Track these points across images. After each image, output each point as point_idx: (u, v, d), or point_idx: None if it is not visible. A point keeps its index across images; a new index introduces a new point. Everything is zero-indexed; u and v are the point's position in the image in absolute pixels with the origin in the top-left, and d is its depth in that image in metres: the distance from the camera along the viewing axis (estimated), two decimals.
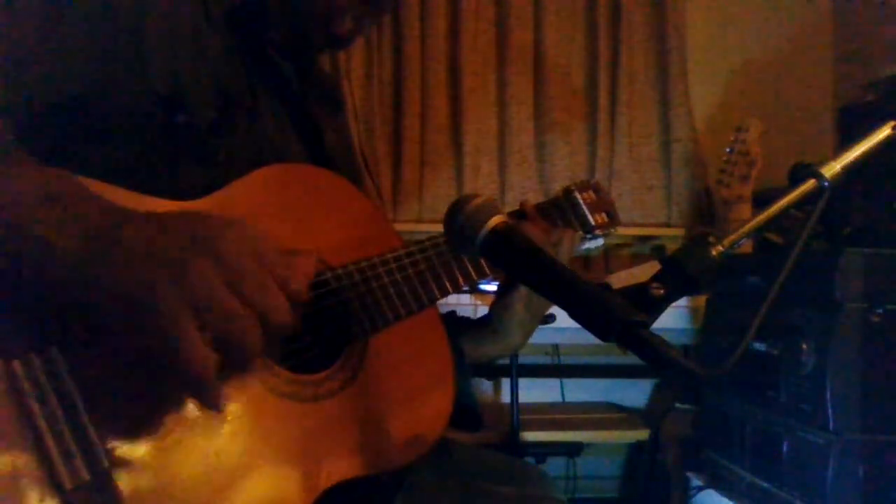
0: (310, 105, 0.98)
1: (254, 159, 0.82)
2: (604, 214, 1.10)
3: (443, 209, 0.63)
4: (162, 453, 0.63)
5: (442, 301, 0.87)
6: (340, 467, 0.74)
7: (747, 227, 0.63)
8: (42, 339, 0.58)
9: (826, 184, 0.65)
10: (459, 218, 0.61)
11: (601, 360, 2.52)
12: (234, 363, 0.59)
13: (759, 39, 2.61)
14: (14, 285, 0.57)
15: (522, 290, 1.03)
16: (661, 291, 0.58)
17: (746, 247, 1.63)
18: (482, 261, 0.90)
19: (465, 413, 0.93)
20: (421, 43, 2.42)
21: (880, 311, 1.32)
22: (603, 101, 2.47)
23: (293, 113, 0.95)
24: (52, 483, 0.57)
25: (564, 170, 2.49)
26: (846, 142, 0.68)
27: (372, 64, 2.41)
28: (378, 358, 0.81)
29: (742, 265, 1.60)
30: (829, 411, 1.31)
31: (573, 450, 2.10)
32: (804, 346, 1.37)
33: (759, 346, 1.50)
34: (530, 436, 2.12)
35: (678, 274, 0.59)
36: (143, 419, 0.62)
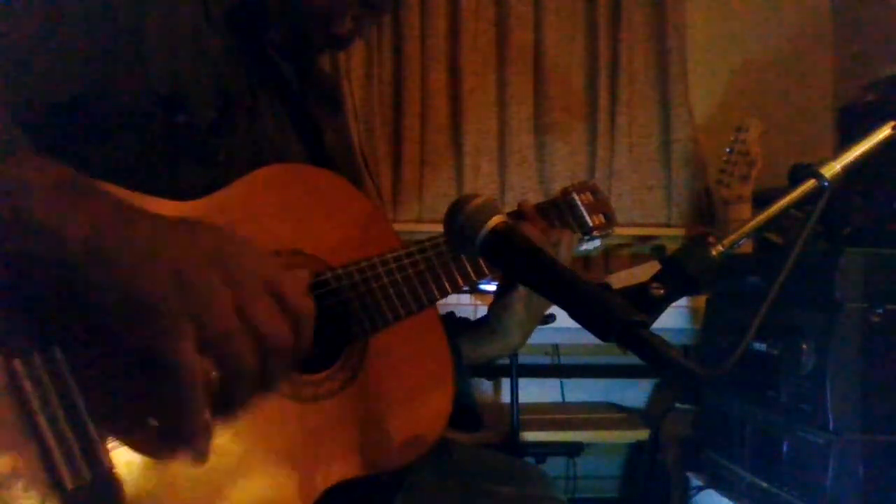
0: (310, 105, 0.98)
1: (254, 159, 0.82)
2: (601, 216, 1.10)
3: (443, 209, 0.63)
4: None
5: (442, 301, 0.87)
6: (340, 467, 0.74)
7: (747, 227, 0.63)
8: (44, 338, 0.58)
9: (826, 184, 0.65)
10: (459, 218, 0.61)
11: (601, 360, 2.52)
12: (230, 385, 0.57)
13: (759, 39, 2.60)
14: (18, 277, 0.57)
15: (521, 291, 1.03)
16: (661, 291, 0.58)
17: (746, 247, 1.63)
18: (481, 261, 0.90)
19: (464, 413, 0.93)
20: (421, 43, 2.42)
21: (880, 311, 1.32)
22: (603, 101, 2.47)
23: (293, 113, 0.95)
24: (53, 483, 0.57)
25: (564, 170, 2.49)
26: (846, 142, 0.68)
27: (372, 64, 2.41)
28: (378, 358, 0.81)
29: (742, 265, 1.60)
30: (829, 411, 1.31)
31: (573, 450, 2.10)
32: (804, 346, 1.37)
33: (759, 346, 1.50)
34: (530, 436, 2.12)
35: (678, 274, 0.59)
36: (144, 418, 0.62)
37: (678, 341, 2.06)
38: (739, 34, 2.60)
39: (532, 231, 1.00)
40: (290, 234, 0.79)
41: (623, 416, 2.36)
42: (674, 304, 0.59)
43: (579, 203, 1.08)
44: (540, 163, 2.51)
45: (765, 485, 1.48)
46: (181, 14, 0.82)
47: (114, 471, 0.59)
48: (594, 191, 1.12)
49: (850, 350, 1.32)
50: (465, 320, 1.13)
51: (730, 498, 1.59)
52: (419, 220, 2.42)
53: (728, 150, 1.90)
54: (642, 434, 2.17)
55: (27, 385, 0.57)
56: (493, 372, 2.36)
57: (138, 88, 0.77)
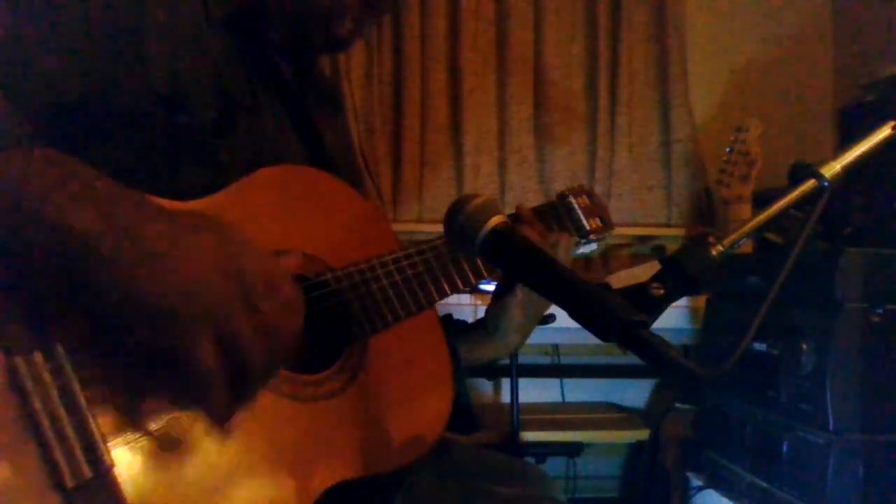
0: (309, 106, 0.98)
1: (254, 160, 0.82)
2: (598, 220, 1.10)
3: (443, 209, 0.63)
4: (163, 452, 0.63)
5: (441, 301, 0.87)
6: (340, 468, 0.74)
7: (747, 227, 0.63)
8: (47, 335, 0.58)
9: (826, 184, 0.65)
10: (459, 218, 0.61)
11: (601, 360, 2.52)
12: (240, 379, 0.60)
13: (759, 39, 2.60)
14: (21, 272, 0.57)
15: (519, 294, 1.03)
16: (661, 291, 0.58)
17: (746, 247, 1.63)
18: (480, 263, 0.90)
19: (460, 415, 0.93)
20: (421, 43, 2.42)
21: (880, 311, 1.32)
22: (603, 101, 2.47)
23: (293, 114, 0.95)
24: (54, 481, 0.57)
25: (564, 170, 2.50)
26: (846, 142, 0.68)
27: (372, 64, 2.41)
28: (378, 359, 0.81)
29: (742, 265, 1.60)
30: (829, 411, 1.31)
31: (573, 450, 2.10)
32: (804, 346, 1.37)
33: (759, 346, 1.50)
34: (530, 436, 2.12)
35: (678, 274, 0.59)
36: (145, 417, 0.62)
37: (678, 341, 2.06)
38: (739, 34, 2.60)
39: (529, 234, 1.00)
40: (289, 235, 0.79)
41: (623, 416, 2.36)
42: (674, 304, 0.59)
43: (576, 206, 1.08)
44: (540, 163, 2.51)
45: (765, 485, 1.48)
46: (182, 14, 0.82)
47: (114, 469, 0.59)
48: (590, 194, 1.12)
49: (850, 350, 1.32)
50: (462, 322, 1.13)
51: (730, 498, 1.59)
52: (419, 220, 2.42)
53: (728, 150, 1.90)
54: (642, 434, 2.17)
55: (28, 383, 0.57)
56: (493, 372, 2.36)
57: (139, 89, 0.77)
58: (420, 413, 0.83)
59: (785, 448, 1.43)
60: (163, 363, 0.59)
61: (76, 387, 0.59)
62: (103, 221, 0.56)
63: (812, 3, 2.65)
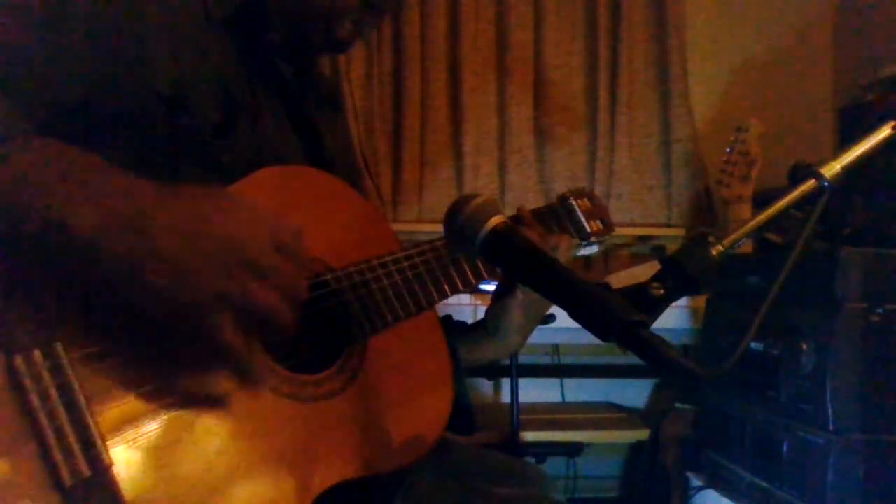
0: (309, 106, 0.99)
1: (254, 160, 0.82)
2: (599, 222, 1.10)
3: (443, 209, 0.63)
4: (162, 451, 0.63)
5: (442, 301, 0.87)
6: (339, 468, 0.74)
7: (747, 227, 0.63)
8: (47, 333, 0.58)
9: (826, 184, 0.65)
10: (460, 218, 0.61)
11: (601, 360, 2.52)
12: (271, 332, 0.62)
13: (759, 39, 2.60)
14: (24, 266, 0.57)
15: (519, 296, 1.03)
16: (661, 291, 0.58)
17: (746, 247, 1.63)
18: (480, 264, 0.90)
19: (460, 415, 0.93)
20: (421, 43, 2.42)
21: (880, 311, 1.32)
22: (603, 101, 2.47)
23: (293, 115, 0.95)
24: (52, 479, 0.57)
25: (564, 170, 2.49)
26: (846, 142, 0.68)
27: (372, 64, 2.41)
28: (378, 359, 0.81)
29: (742, 265, 1.60)
30: (829, 411, 1.31)
31: (573, 450, 2.10)
32: (804, 346, 1.37)
33: (759, 346, 1.50)
34: (530, 436, 2.12)
35: (678, 274, 0.59)
36: (145, 416, 0.63)
37: (678, 341, 2.06)
38: (739, 34, 2.60)
39: (531, 235, 1.00)
40: None
41: (623, 416, 2.36)
42: (674, 304, 0.59)
43: (577, 209, 1.08)
44: (540, 163, 2.51)
45: (765, 485, 1.48)
46: (183, 15, 0.82)
47: (113, 468, 0.59)
48: (591, 196, 1.12)
49: (850, 350, 1.32)
50: (462, 323, 1.13)
51: (730, 498, 1.59)
52: (419, 220, 2.42)
53: (728, 150, 1.90)
54: (642, 434, 2.17)
55: (27, 381, 0.57)
56: (493, 372, 2.36)
57: (141, 89, 0.77)
58: (420, 413, 0.83)
59: (785, 448, 1.43)
60: (185, 344, 0.61)
61: (75, 385, 0.59)
62: (105, 219, 0.56)
63: (812, 3, 2.65)
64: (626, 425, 2.26)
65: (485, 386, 2.47)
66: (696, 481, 1.71)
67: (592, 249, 1.12)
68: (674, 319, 1.95)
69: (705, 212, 2.44)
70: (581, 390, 2.53)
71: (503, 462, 1.13)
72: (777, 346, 1.45)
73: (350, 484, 0.75)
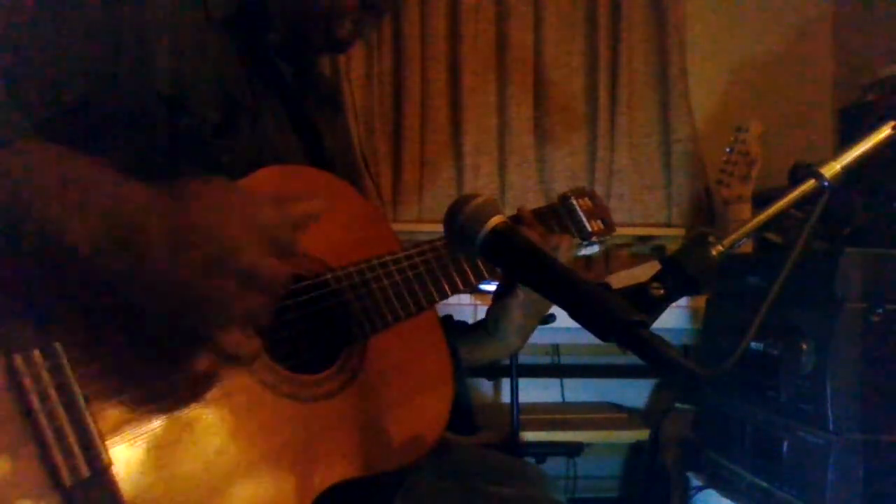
0: (309, 106, 0.98)
1: (254, 160, 0.82)
2: (600, 222, 1.10)
3: (443, 209, 0.63)
4: (162, 451, 0.63)
5: (442, 301, 0.87)
6: (339, 468, 0.74)
7: (747, 227, 0.63)
8: (46, 333, 0.58)
9: (826, 184, 0.65)
10: (460, 218, 0.61)
11: (601, 360, 2.52)
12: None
13: (759, 39, 2.60)
14: (28, 270, 0.57)
15: (519, 296, 1.03)
16: (661, 291, 0.58)
17: (746, 247, 1.63)
18: (480, 264, 0.90)
19: (461, 415, 0.93)
20: (421, 43, 2.42)
21: (880, 311, 1.32)
22: (603, 101, 2.47)
23: (293, 114, 0.95)
24: (52, 480, 0.57)
25: (564, 170, 2.49)
26: (846, 142, 0.68)
27: (372, 64, 2.41)
28: (377, 359, 0.81)
29: (742, 265, 1.60)
30: (829, 411, 1.31)
31: (573, 450, 2.10)
32: (804, 346, 1.36)
33: (759, 346, 1.50)
34: (530, 436, 2.12)
35: (678, 274, 0.59)
36: (144, 416, 0.62)
37: (678, 341, 2.06)
38: (739, 34, 2.60)
39: (531, 235, 1.00)
40: None
41: (623, 416, 2.36)
42: (674, 304, 0.59)
43: (578, 208, 1.08)
44: (540, 163, 2.51)
45: (765, 485, 1.48)
46: (183, 16, 0.82)
47: (112, 468, 0.59)
48: (592, 196, 1.12)
49: (850, 350, 1.32)
50: (462, 323, 1.13)
51: (730, 498, 1.59)
52: (419, 220, 2.42)
53: (728, 150, 1.89)
54: (642, 434, 2.17)
55: (27, 381, 0.57)
56: (493, 372, 2.36)
57: (142, 90, 0.77)
58: (420, 413, 0.83)
59: (785, 448, 1.43)
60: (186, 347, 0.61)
61: (75, 385, 0.59)
62: (100, 233, 0.56)
63: (812, 3, 2.65)
64: (626, 425, 2.26)
65: (485, 386, 2.47)
66: (696, 481, 1.71)
67: (593, 249, 1.12)
68: (674, 319, 1.95)
69: (705, 212, 2.44)
70: (581, 390, 2.53)
71: (503, 462, 1.13)
72: (777, 346, 1.45)
73: (350, 484, 0.75)
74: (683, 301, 1.95)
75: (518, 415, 2.14)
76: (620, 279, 0.59)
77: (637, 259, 2.21)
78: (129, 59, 0.77)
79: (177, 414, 0.64)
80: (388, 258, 0.83)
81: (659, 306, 0.57)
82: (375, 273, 0.82)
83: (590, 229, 1.08)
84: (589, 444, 2.12)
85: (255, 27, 0.90)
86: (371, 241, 0.86)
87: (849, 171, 0.65)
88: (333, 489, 0.73)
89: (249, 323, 0.60)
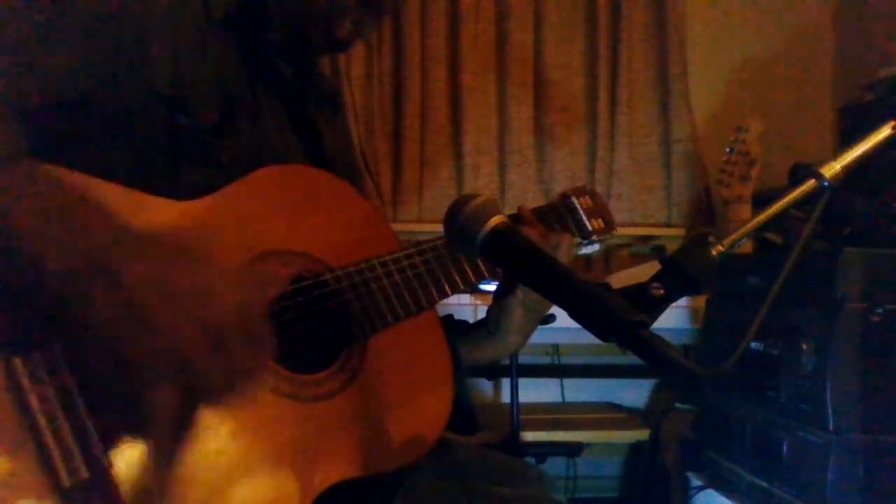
0: (309, 106, 0.98)
1: (254, 160, 0.82)
2: (600, 220, 1.10)
3: (443, 209, 0.63)
4: (161, 451, 0.63)
5: (442, 301, 0.87)
6: (339, 467, 0.74)
7: (747, 227, 0.63)
8: (45, 336, 0.58)
9: (826, 184, 0.65)
10: (460, 218, 0.61)
11: (601, 360, 2.52)
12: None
13: (759, 39, 2.60)
14: (14, 288, 0.57)
15: (520, 295, 1.03)
16: (661, 291, 0.58)
17: (746, 247, 1.63)
18: (480, 263, 0.90)
19: (461, 416, 0.93)
20: (421, 43, 2.42)
21: (880, 311, 1.32)
22: (603, 101, 2.47)
23: (293, 114, 0.95)
24: (51, 480, 0.57)
25: (564, 170, 2.49)
26: (846, 142, 0.67)
27: (372, 64, 2.41)
28: (377, 359, 0.81)
29: (742, 265, 1.60)
30: (829, 411, 1.31)
31: (573, 450, 2.10)
32: (804, 346, 1.36)
33: (759, 346, 1.50)
34: (530, 436, 2.12)
35: (678, 274, 0.59)
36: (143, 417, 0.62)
37: (678, 341, 2.06)
38: (739, 34, 2.60)
39: (531, 235, 1.00)
40: (288, 235, 0.79)
41: (623, 416, 2.36)
42: (674, 304, 0.59)
43: (579, 207, 1.08)
44: (540, 163, 2.51)
45: (765, 485, 1.48)
46: (183, 15, 0.82)
47: (111, 468, 0.59)
48: (593, 195, 1.12)
49: (850, 350, 1.32)
50: (463, 323, 1.13)
51: (730, 498, 1.59)
52: (419, 220, 2.42)
53: (728, 150, 1.89)
54: (642, 434, 2.17)
55: (26, 383, 0.57)
56: (493, 372, 2.36)
57: (141, 89, 0.77)
58: (420, 413, 0.83)
59: (785, 448, 1.43)
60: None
61: (73, 386, 0.59)
62: (82, 265, 0.56)
63: (812, 3, 2.65)
64: (626, 425, 2.26)
65: (485, 386, 2.47)
66: (696, 481, 1.71)
67: (594, 248, 1.12)
68: (674, 319, 1.95)
69: (705, 212, 2.44)
70: (581, 390, 2.53)
71: (503, 462, 1.13)
72: (777, 346, 1.45)
73: (350, 484, 0.75)
74: (683, 301, 1.95)
75: (518, 415, 2.14)
76: (620, 279, 0.59)
77: (637, 259, 2.21)
78: (129, 58, 0.77)
79: (175, 415, 0.64)
80: (388, 258, 0.83)
81: (659, 306, 0.57)
82: (375, 273, 0.82)
83: (590, 228, 1.08)
84: (589, 444, 2.12)
85: (255, 27, 0.90)
86: (371, 241, 0.86)
87: (849, 171, 0.65)
88: (333, 489, 0.73)
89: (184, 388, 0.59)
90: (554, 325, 1.18)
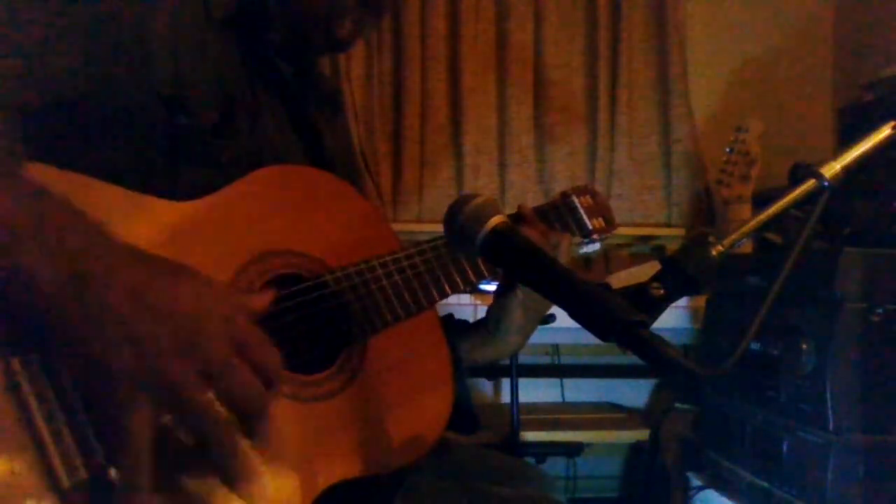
0: (309, 106, 0.98)
1: (254, 160, 0.82)
2: (601, 219, 1.10)
3: (443, 209, 0.63)
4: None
5: (442, 300, 0.87)
6: (339, 468, 0.74)
7: (747, 227, 0.63)
8: (42, 339, 0.58)
9: (826, 184, 0.65)
10: (460, 218, 0.61)
11: (601, 360, 2.52)
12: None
13: (758, 39, 2.60)
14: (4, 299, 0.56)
15: (520, 295, 1.03)
16: (661, 291, 0.58)
17: (746, 247, 1.63)
18: (480, 263, 0.90)
19: (461, 415, 0.93)
20: (421, 43, 2.42)
21: (880, 311, 1.32)
22: (603, 101, 2.47)
23: (293, 114, 0.95)
24: (50, 481, 0.56)
25: (564, 170, 2.49)
26: (846, 142, 0.67)
27: (372, 64, 2.41)
28: (377, 359, 0.81)
29: (742, 265, 1.60)
30: (829, 411, 1.31)
31: (573, 450, 2.10)
32: (804, 346, 1.36)
33: (759, 346, 1.50)
34: (530, 436, 2.12)
35: (678, 274, 0.59)
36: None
37: (678, 341, 2.06)
38: (739, 34, 2.60)
39: (531, 234, 1.00)
40: (288, 235, 0.79)
41: (623, 416, 2.36)
42: (674, 304, 0.59)
43: (579, 206, 1.08)
44: (540, 163, 2.51)
45: (765, 485, 1.48)
46: (183, 15, 0.82)
47: (111, 470, 0.59)
48: (593, 194, 1.12)
49: (850, 350, 1.32)
50: (463, 322, 1.13)
51: (730, 498, 1.59)
52: (419, 220, 2.42)
53: (728, 150, 1.90)
54: (642, 434, 2.17)
55: (25, 383, 0.56)
56: (493, 372, 2.36)
57: (142, 89, 0.77)
58: (420, 413, 0.83)
59: (785, 448, 1.43)
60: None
61: (72, 387, 0.58)
62: (71, 281, 0.55)
63: (812, 3, 2.65)
64: (626, 425, 2.26)
65: (485, 386, 2.47)
66: (696, 481, 1.71)
67: (595, 247, 1.12)
68: (674, 319, 1.96)
69: (705, 212, 2.44)
70: (581, 390, 2.53)
71: (503, 462, 1.13)
72: (777, 346, 1.45)
73: (350, 484, 0.75)
74: (683, 301, 1.95)
75: (518, 415, 2.14)
76: (620, 279, 0.59)
77: (637, 259, 2.21)
78: (129, 58, 0.76)
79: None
80: (388, 258, 0.83)
81: (659, 306, 0.57)
82: (375, 273, 0.82)
83: (591, 227, 1.08)
84: (589, 444, 2.13)
85: (255, 27, 0.90)
86: (371, 241, 0.86)
87: (849, 171, 0.65)
88: (333, 489, 0.73)
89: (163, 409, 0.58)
90: (554, 325, 1.18)
